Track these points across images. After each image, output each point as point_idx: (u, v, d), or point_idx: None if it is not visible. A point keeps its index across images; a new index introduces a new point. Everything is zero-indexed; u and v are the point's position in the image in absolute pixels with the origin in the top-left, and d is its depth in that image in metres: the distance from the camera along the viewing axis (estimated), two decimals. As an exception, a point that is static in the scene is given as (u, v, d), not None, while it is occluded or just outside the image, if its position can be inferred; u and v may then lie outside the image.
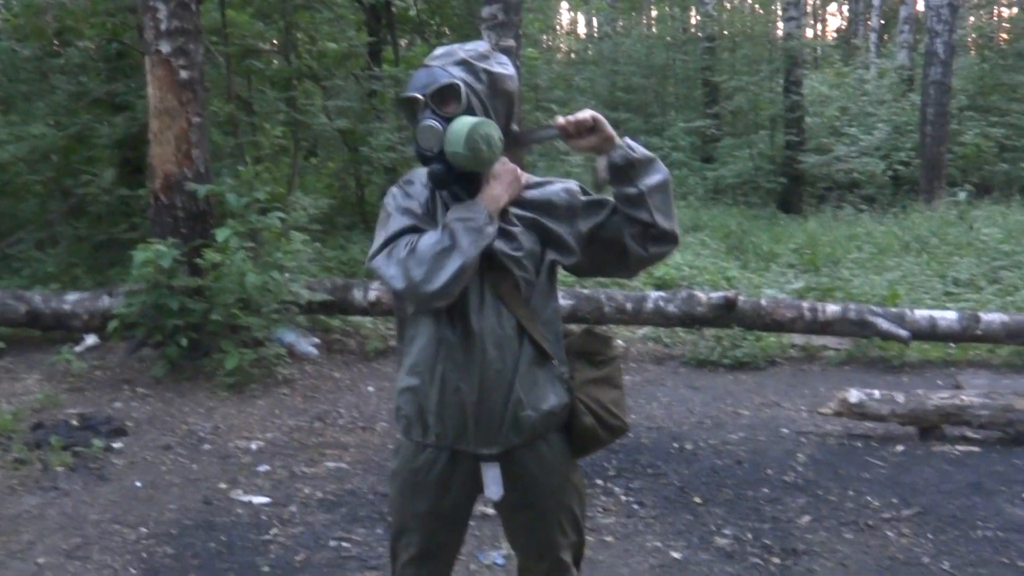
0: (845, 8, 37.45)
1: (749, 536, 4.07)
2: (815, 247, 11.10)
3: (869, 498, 4.48)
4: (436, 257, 2.06)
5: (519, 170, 2.22)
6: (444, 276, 2.06)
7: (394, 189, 2.32)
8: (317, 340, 7.33)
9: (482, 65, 2.19)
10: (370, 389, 6.47)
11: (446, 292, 2.08)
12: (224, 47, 8.41)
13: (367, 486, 4.71)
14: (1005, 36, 21.00)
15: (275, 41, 10.06)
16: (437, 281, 2.06)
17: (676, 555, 3.91)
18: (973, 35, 22.83)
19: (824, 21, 40.28)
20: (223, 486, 4.73)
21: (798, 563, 3.81)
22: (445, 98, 2.15)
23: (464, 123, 2.08)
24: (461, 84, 2.15)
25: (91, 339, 7.19)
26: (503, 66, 2.24)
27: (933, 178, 14.97)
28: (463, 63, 2.18)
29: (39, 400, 5.96)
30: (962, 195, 12.88)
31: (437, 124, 2.12)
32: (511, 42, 6.98)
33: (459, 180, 2.16)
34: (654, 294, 7.11)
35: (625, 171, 2.17)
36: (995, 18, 25.39)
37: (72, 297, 7.23)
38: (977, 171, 16.61)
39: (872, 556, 3.87)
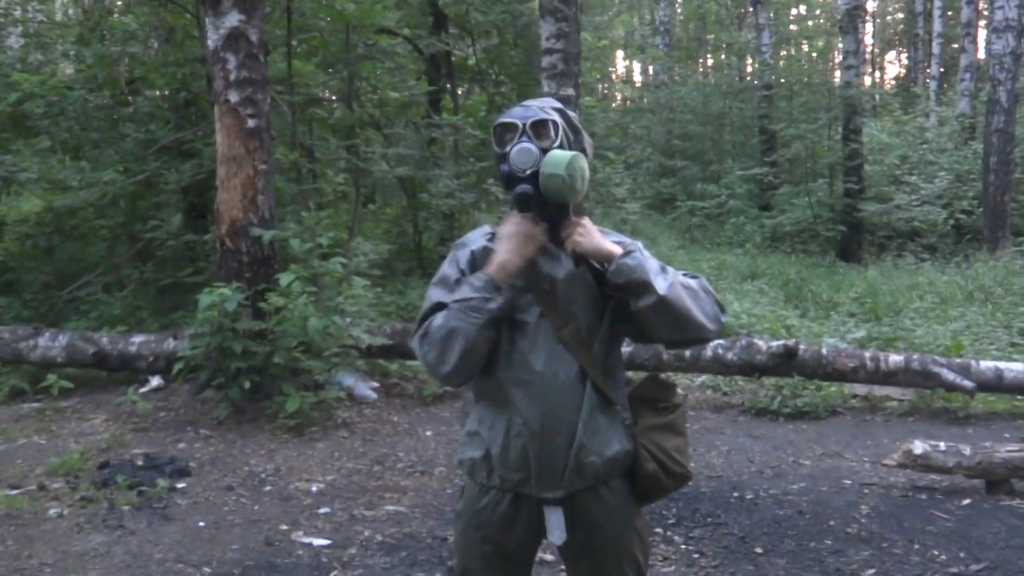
0: (904, 56, 37.30)
1: (812, 588, 4.01)
2: (876, 296, 10.95)
3: (935, 552, 4.38)
4: (443, 340, 2.17)
5: (532, 228, 2.22)
6: (452, 359, 2.16)
7: (450, 253, 2.39)
8: (376, 384, 7.41)
9: (571, 117, 2.32)
10: (428, 433, 6.51)
11: (457, 373, 2.19)
12: (290, 96, 8.61)
13: (426, 530, 4.73)
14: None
15: (333, 92, 10.27)
16: (447, 364, 2.17)
17: (738, 606, 3.86)
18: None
19: (883, 69, 40.15)
20: (284, 527, 4.78)
21: (863, 617, 3.74)
22: (541, 131, 2.24)
23: (565, 152, 2.17)
24: (559, 122, 2.26)
25: (155, 380, 7.34)
26: (586, 139, 2.37)
27: (996, 227, 14.72)
28: (557, 109, 2.30)
29: (105, 440, 6.10)
30: (1028, 244, 12.64)
31: (535, 148, 2.20)
32: (571, 91, 7.07)
33: (542, 205, 2.21)
34: (714, 342, 7.07)
35: (620, 288, 2.21)
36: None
37: (138, 339, 7.39)
38: (1043, 220, 16.30)
39: (940, 612, 3.79)
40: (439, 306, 2.22)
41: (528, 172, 2.19)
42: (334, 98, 10.24)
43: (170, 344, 7.23)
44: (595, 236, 2.23)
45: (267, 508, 5.08)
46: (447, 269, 2.33)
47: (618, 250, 2.19)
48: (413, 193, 11.40)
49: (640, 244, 2.24)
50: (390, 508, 5.07)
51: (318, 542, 4.58)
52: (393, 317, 8.71)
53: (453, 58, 12.14)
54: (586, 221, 2.26)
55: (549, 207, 2.21)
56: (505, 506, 2.31)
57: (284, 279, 6.38)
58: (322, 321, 6.34)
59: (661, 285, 2.15)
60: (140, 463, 5.69)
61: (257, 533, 4.72)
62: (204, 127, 8.80)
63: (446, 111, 11.89)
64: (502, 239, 2.23)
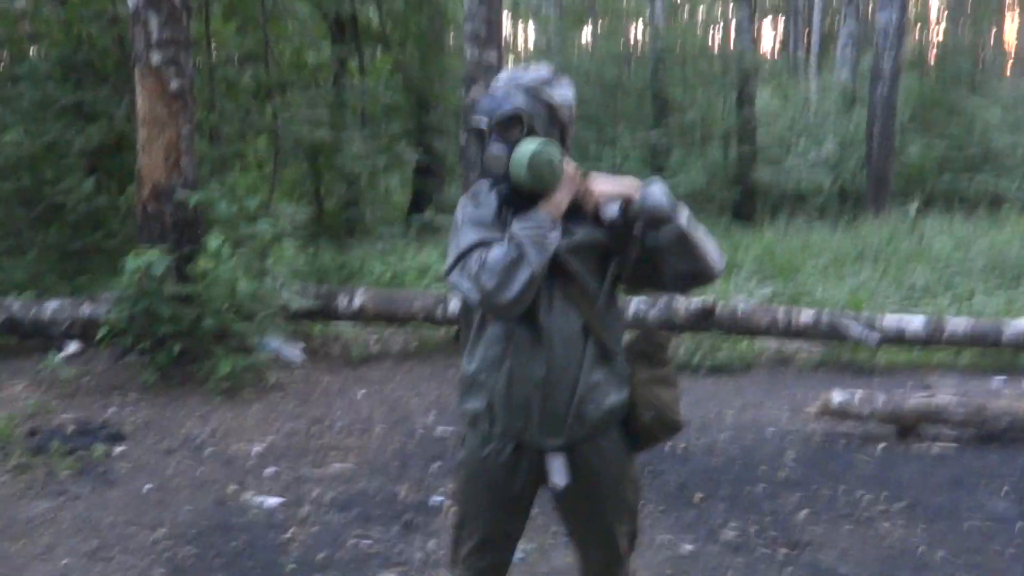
0: (781, 25, 38.41)
1: (753, 529, 4.26)
2: (774, 256, 11.40)
3: (859, 493, 4.69)
4: (506, 269, 2.19)
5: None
6: (516, 287, 2.20)
7: (463, 200, 2.46)
8: (302, 346, 7.40)
9: (543, 92, 2.34)
10: (361, 393, 6.55)
11: (519, 301, 2.22)
12: (208, 58, 8.43)
13: (375, 487, 4.81)
14: (933, 55, 21.77)
15: (246, 54, 10.08)
16: (510, 292, 2.20)
17: (687, 548, 4.08)
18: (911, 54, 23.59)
19: (759, 38, 41.20)
20: (233, 488, 4.79)
21: (803, 554, 4.01)
22: (508, 125, 2.31)
23: (526, 149, 2.23)
24: (523, 112, 2.31)
25: (73, 346, 7.16)
26: (563, 91, 2.38)
27: (880, 191, 15.44)
28: (526, 90, 2.33)
29: (31, 407, 5.94)
30: (913, 207, 13.32)
31: (502, 152, 2.28)
32: (493, 57, 7.10)
33: (525, 201, 2.30)
34: (635, 300, 7.29)
35: (637, 222, 2.32)
36: (928, 38, 26.24)
37: (52, 305, 7.19)
38: (920, 184, 17.17)
39: (871, 547, 4.08)
40: (483, 243, 2.26)
41: (503, 175, 2.30)
42: (249, 60, 10.03)
43: (86, 309, 7.06)
44: (606, 185, 2.34)
45: (211, 470, 5.07)
46: (476, 211, 2.37)
47: (634, 186, 2.31)
48: (315, 156, 11.30)
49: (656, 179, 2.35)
50: (336, 467, 5.12)
51: (270, 501, 4.61)
52: (308, 280, 8.67)
53: (358, 21, 12.02)
54: (592, 175, 2.36)
55: (535, 194, 2.29)
56: (507, 454, 2.41)
57: (212, 242, 6.31)
58: (252, 284, 6.31)
59: (682, 216, 2.29)
60: (71, 429, 5.58)
61: (206, 494, 4.71)
62: (108, 89, 8.55)
63: (352, 74, 11.78)
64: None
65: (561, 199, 2.29)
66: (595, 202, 2.34)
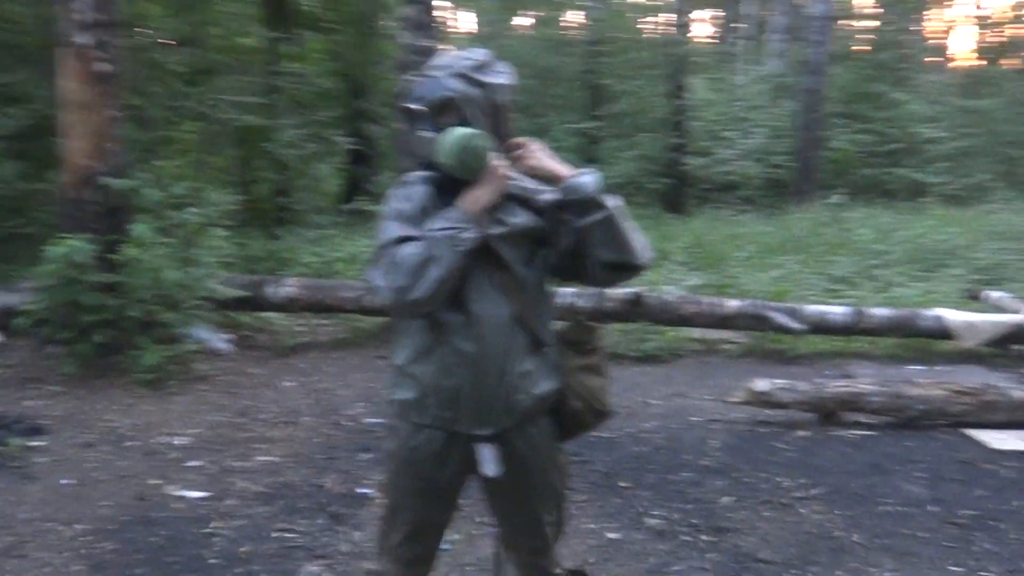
0: (713, 15, 38.75)
1: (677, 516, 4.33)
2: (702, 246, 11.56)
3: (780, 479, 4.80)
4: (417, 268, 2.20)
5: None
6: (425, 286, 2.20)
7: (393, 190, 2.46)
8: (229, 336, 7.31)
9: (479, 77, 2.34)
10: (289, 384, 6.51)
11: (428, 300, 2.23)
12: (135, 39, 8.25)
13: (301, 478, 4.78)
14: (860, 47, 22.23)
15: (176, 36, 9.89)
16: (419, 291, 2.20)
17: (612, 535, 4.13)
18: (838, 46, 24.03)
19: (691, 29, 41.52)
20: (155, 482, 4.72)
21: (725, 540, 4.08)
22: (442, 110, 2.31)
23: (453, 135, 2.24)
24: (457, 96, 2.30)
25: (-11, 336, 6.99)
26: (500, 76, 2.39)
27: (806, 181, 15.76)
28: (461, 75, 2.32)
29: (-56, 399, 5.80)
30: (836, 198, 13.60)
31: (431, 135, 2.29)
32: (428, 42, 7.10)
33: (453, 187, 2.31)
34: (566, 290, 7.34)
35: (568, 207, 2.35)
36: (855, 29, 26.66)
37: (-32, 293, 7.00)
38: (846, 175, 17.55)
39: (790, 531, 4.17)
40: (402, 239, 2.26)
41: (430, 159, 2.31)
42: (179, 43, 9.84)
43: (5, 298, 6.89)
44: (544, 157, 2.37)
45: (133, 463, 4.99)
46: (401, 205, 2.37)
47: (569, 170, 2.35)
48: (244, 142, 11.15)
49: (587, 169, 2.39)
50: (262, 459, 5.08)
51: (193, 494, 4.56)
52: (236, 269, 8.57)
53: (292, 5, 11.87)
54: (532, 144, 2.38)
55: (462, 181, 2.30)
56: (438, 444, 2.41)
57: (138, 230, 6.19)
58: (179, 273, 6.21)
59: (610, 202, 2.33)
60: (-13, 422, 5.45)
61: (127, 488, 4.64)
62: (31, 70, 8.33)
63: (284, 58, 11.63)
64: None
65: (482, 195, 2.29)
66: (529, 169, 2.36)
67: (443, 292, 2.24)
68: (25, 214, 8.37)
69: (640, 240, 2.40)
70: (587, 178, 2.33)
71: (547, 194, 2.42)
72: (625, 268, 2.40)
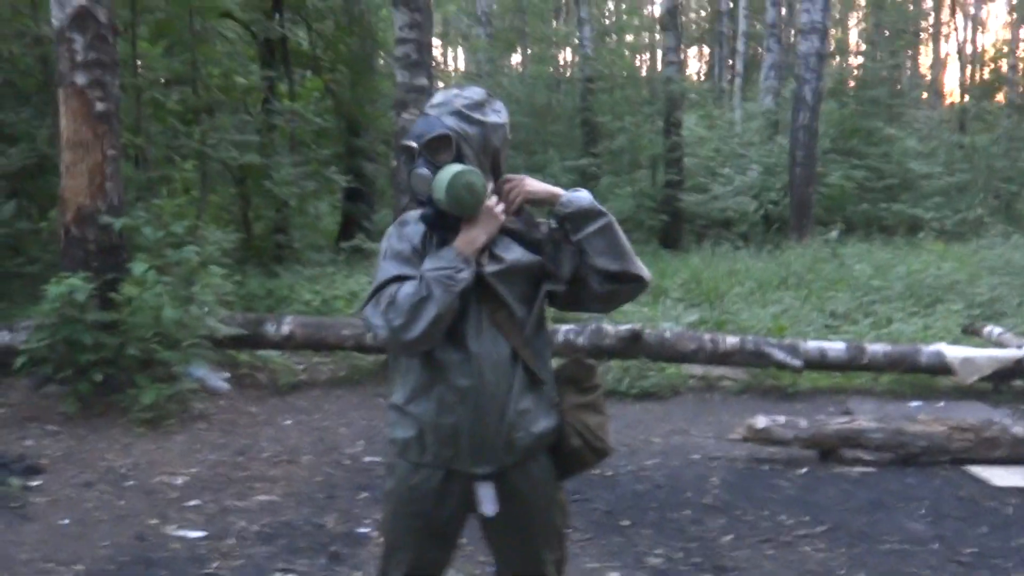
0: (707, 53, 39.21)
1: (679, 555, 4.30)
2: (700, 282, 11.59)
3: (782, 516, 4.78)
4: (413, 308, 2.23)
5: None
6: (421, 326, 2.23)
7: (390, 230, 2.49)
8: (227, 375, 7.30)
9: (475, 115, 2.38)
10: (288, 423, 6.49)
11: (423, 340, 2.25)
12: (134, 79, 8.32)
13: (302, 518, 4.75)
14: (852, 83, 22.45)
15: (176, 76, 9.97)
16: (415, 330, 2.23)
17: (613, 574, 4.10)
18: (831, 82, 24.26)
19: (686, 64, 41.98)
20: (154, 521, 4.70)
21: (728, 578, 4.07)
22: (438, 147, 2.34)
23: (448, 172, 2.27)
24: (453, 135, 2.34)
25: (-13, 376, 6.97)
26: (496, 113, 2.43)
27: (803, 217, 15.80)
28: (457, 113, 2.36)
29: (-57, 439, 5.78)
30: (834, 233, 13.65)
31: (427, 172, 2.32)
32: (424, 80, 7.16)
33: (449, 223, 2.34)
34: (564, 327, 7.36)
35: (566, 223, 2.40)
36: (848, 66, 26.97)
37: (-33, 333, 6.98)
38: (841, 211, 17.64)
39: (793, 570, 4.15)
40: (399, 279, 2.29)
41: (427, 196, 2.33)
42: (177, 83, 9.92)
43: (4, 336, 6.86)
44: (535, 182, 2.42)
45: (132, 503, 4.96)
46: (398, 244, 2.40)
47: (560, 190, 2.42)
48: (243, 180, 11.21)
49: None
50: (262, 498, 5.06)
51: (193, 534, 4.53)
52: (234, 307, 8.58)
53: (288, 44, 11.98)
54: (522, 177, 2.43)
55: (458, 218, 2.33)
56: (437, 482, 2.40)
57: (137, 268, 6.21)
58: (178, 311, 6.22)
59: (607, 214, 2.39)
60: (-14, 462, 5.43)
61: (126, 528, 4.61)
62: (31, 109, 8.39)
63: (282, 97, 11.72)
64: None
65: (477, 235, 2.32)
66: (522, 198, 2.40)
67: (438, 331, 2.26)
68: (25, 253, 8.39)
69: (637, 258, 2.45)
70: (582, 192, 2.41)
71: (543, 226, 2.45)
72: (627, 278, 2.42)
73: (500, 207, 2.37)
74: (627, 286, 2.44)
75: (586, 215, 2.38)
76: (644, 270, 2.45)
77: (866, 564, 4.20)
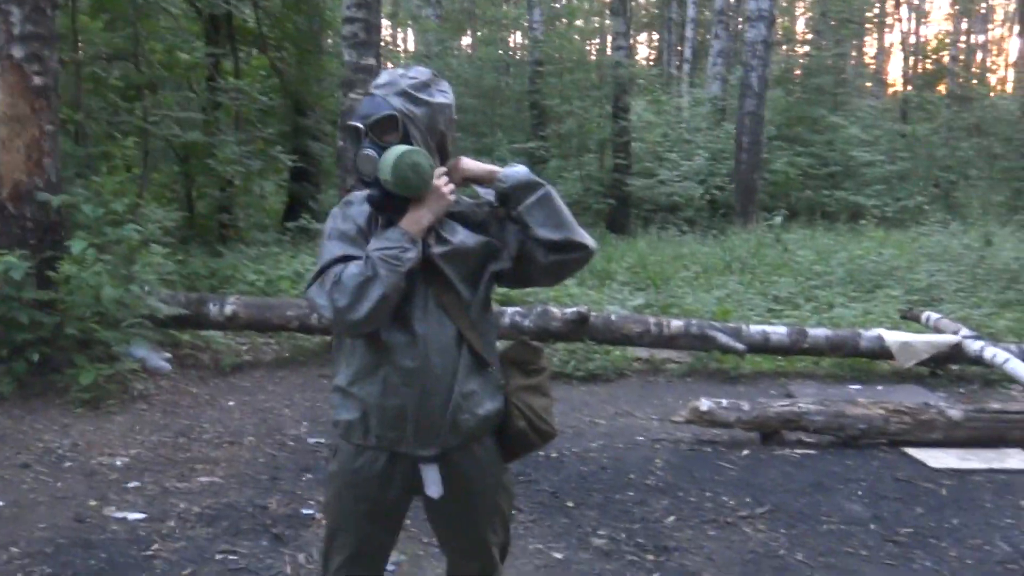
0: (655, 39, 39.37)
1: (623, 536, 4.34)
2: (646, 266, 11.67)
3: (725, 498, 4.84)
4: (359, 288, 2.21)
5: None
6: (367, 306, 2.21)
7: (334, 211, 2.46)
8: (168, 355, 7.19)
9: (422, 95, 2.36)
10: (231, 404, 6.42)
11: (369, 320, 2.23)
12: (74, 53, 8.12)
13: (245, 499, 4.71)
14: (798, 71, 22.74)
15: (116, 51, 9.76)
16: (361, 310, 2.21)
17: (558, 555, 4.12)
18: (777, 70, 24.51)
19: (634, 50, 42.08)
20: (93, 503, 4.62)
21: (670, 559, 4.10)
22: (384, 128, 2.32)
23: (393, 152, 2.25)
24: (399, 115, 2.32)
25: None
26: (442, 94, 2.41)
27: (747, 203, 15.99)
28: (404, 93, 2.34)
29: None
30: (778, 219, 13.82)
31: (373, 153, 2.30)
32: (371, 61, 7.09)
33: (395, 204, 2.32)
34: (510, 310, 7.35)
35: (506, 199, 2.41)
36: (794, 55, 27.27)
37: (-102, 310, 6.80)
38: (785, 197, 17.87)
39: (735, 550, 4.21)
40: (344, 258, 2.27)
41: (373, 177, 2.31)
42: (118, 58, 9.70)
43: (-63, 316, 6.71)
44: (472, 162, 2.44)
45: (71, 484, 4.88)
46: (343, 224, 2.38)
47: (497, 167, 2.43)
48: (186, 158, 11.03)
49: None
50: (204, 479, 4.99)
51: (133, 516, 4.46)
52: (176, 287, 8.45)
53: (233, 20, 11.78)
54: (461, 158, 2.44)
55: (405, 199, 2.32)
56: (381, 465, 2.39)
57: (76, 246, 6.09)
58: (118, 290, 6.11)
59: (544, 182, 2.41)
60: (-83, 443, 5.30)
61: (64, 510, 4.53)
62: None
63: (226, 75, 11.53)
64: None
65: (423, 215, 2.31)
66: (462, 176, 2.41)
67: (384, 311, 2.24)
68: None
69: (580, 227, 2.46)
70: (518, 167, 2.42)
71: (485, 206, 2.46)
72: (571, 247, 2.41)
73: (449, 187, 2.36)
74: (572, 255, 2.43)
75: (524, 187, 2.38)
76: (588, 238, 2.45)
77: (806, 544, 4.27)
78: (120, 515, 4.48)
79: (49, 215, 6.40)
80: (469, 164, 2.43)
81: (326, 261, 2.29)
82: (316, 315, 7.10)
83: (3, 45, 6.22)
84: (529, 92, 21.22)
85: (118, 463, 5.21)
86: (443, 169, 2.37)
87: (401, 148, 2.26)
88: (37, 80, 6.27)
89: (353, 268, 2.23)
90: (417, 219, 2.30)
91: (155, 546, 4.13)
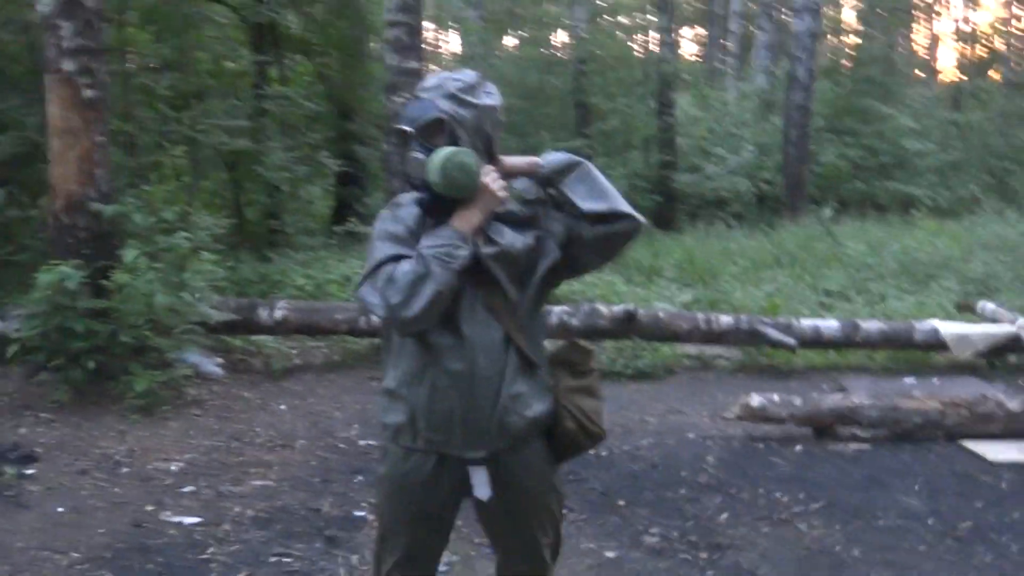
0: (700, 33, 39.07)
1: (675, 534, 4.31)
2: (693, 262, 11.58)
3: (778, 494, 4.79)
4: (411, 285, 2.20)
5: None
6: (420, 303, 2.20)
7: (383, 212, 2.47)
8: (220, 360, 7.28)
9: (469, 98, 2.36)
10: (282, 407, 6.48)
11: (422, 318, 2.23)
12: (123, 65, 8.26)
13: (298, 502, 4.75)
14: (847, 63, 22.41)
15: (164, 62, 9.91)
16: (413, 309, 2.20)
17: (610, 555, 4.11)
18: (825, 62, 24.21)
19: (679, 45, 41.75)
20: (150, 508, 4.68)
21: (724, 557, 4.07)
22: (432, 131, 2.33)
23: (441, 154, 2.25)
24: (447, 118, 2.32)
25: (-23, 365, 6.93)
26: (489, 96, 2.42)
27: (796, 196, 15.80)
28: (451, 96, 2.35)
29: (-64, 429, 5.75)
30: (828, 212, 13.64)
31: (422, 156, 2.31)
32: (415, 64, 7.12)
33: (445, 207, 2.32)
34: (558, 308, 7.34)
35: (548, 182, 2.41)
36: (841, 45, 26.91)
37: (-43, 322, 6.95)
38: (834, 189, 17.61)
39: (789, 547, 4.16)
40: (395, 258, 2.27)
41: (423, 180, 2.32)
42: (166, 68, 9.85)
43: (-4, 325, 6.85)
44: (512, 158, 2.45)
45: (128, 490, 4.95)
46: (392, 226, 2.38)
47: (536, 157, 2.44)
48: (234, 166, 11.15)
49: None
50: (257, 483, 5.05)
51: (188, 520, 4.52)
52: (227, 292, 8.55)
53: (278, 28, 11.90)
54: (502, 157, 2.44)
55: (455, 201, 2.32)
56: (430, 467, 2.40)
57: (129, 255, 6.18)
58: (169, 298, 6.19)
59: (582, 159, 2.41)
60: (-20, 451, 5.41)
61: (122, 516, 4.60)
62: (18, 97, 8.32)
63: (272, 82, 11.66)
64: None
65: (474, 215, 2.31)
66: (505, 172, 2.40)
67: (437, 309, 2.24)
68: (15, 241, 8.32)
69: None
70: (557, 153, 2.44)
71: (529, 200, 2.47)
72: (615, 217, 2.39)
73: (499, 183, 2.35)
74: (618, 225, 2.41)
75: (564, 167, 2.39)
76: (629, 207, 2.43)
77: (862, 540, 4.22)
78: (176, 519, 4.54)
79: (101, 225, 6.50)
80: (511, 160, 2.44)
81: (377, 260, 2.29)
82: (366, 316, 7.15)
83: (54, 59, 6.33)
84: (573, 90, 21.14)
85: (173, 468, 5.28)
86: (491, 168, 2.37)
87: (448, 150, 2.26)
88: (88, 92, 6.37)
89: (406, 266, 2.23)
90: (468, 218, 2.30)
91: (211, 549, 4.18)
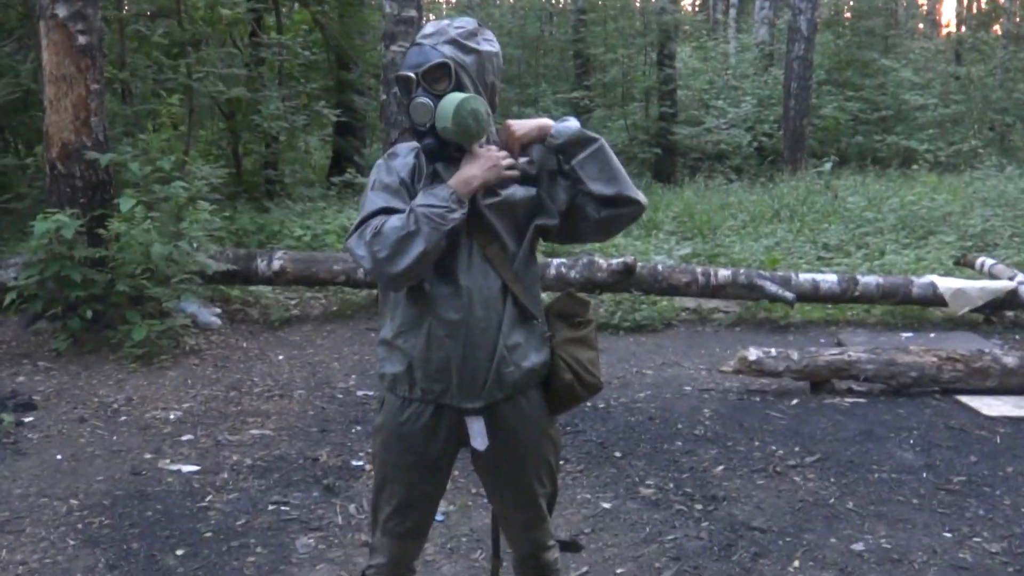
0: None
1: (671, 485, 4.33)
2: (692, 215, 11.56)
3: (774, 447, 4.81)
4: (400, 241, 2.18)
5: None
6: (406, 260, 2.18)
7: (379, 162, 2.44)
8: (218, 310, 7.29)
9: (470, 43, 2.33)
10: (280, 357, 6.49)
11: (407, 275, 2.21)
12: (117, 12, 8.16)
13: (295, 451, 4.77)
14: (848, 14, 22.19)
15: (158, 8, 9.79)
16: (400, 264, 2.18)
17: (606, 505, 4.13)
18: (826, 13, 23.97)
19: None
20: (148, 456, 4.71)
21: (719, 508, 4.09)
22: (436, 76, 2.29)
23: (453, 99, 2.22)
24: (451, 63, 2.29)
25: (-25, 313, 6.94)
26: (489, 43, 2.38)
27: (796, 150, 15.72)
28: (453, 42, 2.31)
29: (-66, 376, 5.77)
30: (827, 165, 13.59)
31: (428, 101, 2.26)
32: (412, 12, 7.02)
33: (449, 153, 2.30)
34: (556, 261, 7.33)
35: (559, 153, 2.36)
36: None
37: (-45, 269, 6.94)
38: (835, 143, 17.54)
39: (784, 499, 4.18)
40: (386, 210, 2.25)
41: (428, 125, 2.28)
42: (161, 16, 9.73)
43: (-7, 274, 6.84)
44: (522, 123, 2.38)
45: (126, 438, 4.98)
46: (386, 177, 2.36)
47: (548, 121, 2.38)
48: (231, 115, 11.06)
49: None
50: (255, 432, 5.07)
51: (187, 468, 4.55)
52: (225, 243, 8.53)
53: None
54: (510, 123, 2.39)
55: (460, 148, 2.29)
56: (427, 417, 2.39)
57: (124, 204, 6.16)
58: (167, 247, 6.17)
59: (597, 136, 2.35)
60: (-22, 399, 5.43)
61: (120, 463, 4.63)
62: (13, 44, 8.23)
63: (269, 30, 11.52)
64: (473, 157, 2.30)
65: (474, 178, 2.27)
66: (518, 143, 2.36)
67: (423, 268, 2.22)
68: (12, 189, 8.30)
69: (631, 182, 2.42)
70: (570, 120, 2.37)
71: (536, 158, 2.41)
72: (623, 202, 2.38)
73: (507, 161, 2.32)
74: (624, 210, 2.39)
75: (577, 142, 2.33)
76: (640, 194, 2.41)
77: (856, 493, 4.24)
78: (174, 468, 4.56)
79: (97, 173, 6.47)
80: (521, 128, 2.38)
81: (367, 212, 2.28)
82: (356, 264, 7.14)
83: (48, 5, 6.26)
84: (573, 41, 20.95)
85: (171, 417, 5.30)
86: (500, 152, 2.34)
87: (460, 95, 2.22)
88: (82, 39, 6.30)
89: (395, 221, 2.20)
90: (467, 180, 2.26)
91: (209, 497, 4.21)
